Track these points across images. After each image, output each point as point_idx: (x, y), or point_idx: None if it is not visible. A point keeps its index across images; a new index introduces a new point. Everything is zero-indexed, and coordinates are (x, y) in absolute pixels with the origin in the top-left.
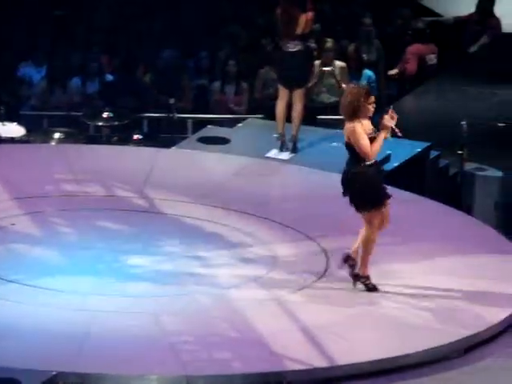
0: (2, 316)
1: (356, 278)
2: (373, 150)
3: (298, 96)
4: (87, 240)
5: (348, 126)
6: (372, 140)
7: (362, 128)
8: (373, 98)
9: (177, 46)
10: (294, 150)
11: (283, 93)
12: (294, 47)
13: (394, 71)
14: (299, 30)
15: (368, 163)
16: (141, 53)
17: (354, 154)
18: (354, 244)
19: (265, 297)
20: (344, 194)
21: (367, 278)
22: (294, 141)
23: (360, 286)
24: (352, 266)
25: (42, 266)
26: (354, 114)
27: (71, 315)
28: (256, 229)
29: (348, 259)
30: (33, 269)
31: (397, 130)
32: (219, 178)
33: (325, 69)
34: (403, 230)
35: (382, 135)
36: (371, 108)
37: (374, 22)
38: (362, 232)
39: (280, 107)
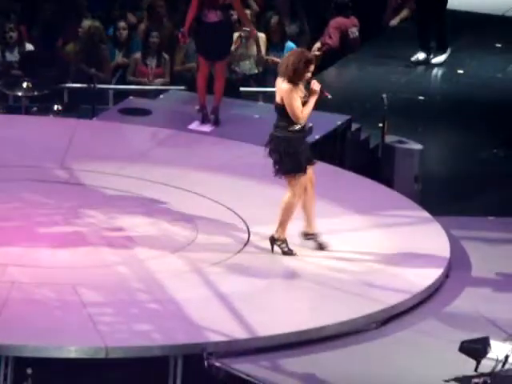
0: None
1: (272, 241)
2: (304, 114)
3: (220, 68)
4: (6, 211)
5: (283, 86)
6: (304, 104)
7: (296, 91)
8: (312, 67)
9: (97, 16)
10: (216, 122)
11: (204, 65)
12: (215, 18)
13: (316, 46)
14: (221, 1)
15: (296, 128)
16: (61, 22)
17: (283, 115)
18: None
19: (185, 268)
20: (269, 155)
21: (283, 241)
22: (216, 113)
23: (277, 249)
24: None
25: None
26: (294, 75)
27: None
28: (177, 200)
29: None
30: None
31: (326, 93)
32: (140, 150)
33: (245, 29)
34: (323, 201)
35: (313, 99)
36: (308, 75)
37: None
38: (284, 196)
39: (201, 79)
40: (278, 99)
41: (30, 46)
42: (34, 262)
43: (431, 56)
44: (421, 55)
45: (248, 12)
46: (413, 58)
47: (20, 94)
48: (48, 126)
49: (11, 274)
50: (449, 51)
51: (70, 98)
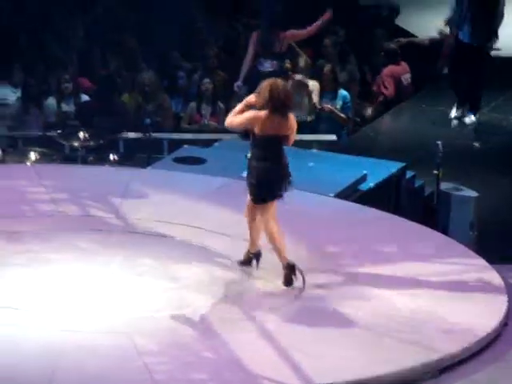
0: None
1: (292, 269)
2: None
3: None
4: (63, 260)
5: (291, 117)
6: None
7: None
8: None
9: (153, 67)
10: None
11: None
12: (270, 67)
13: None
14: (277, 49)
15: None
16: (118, 73)
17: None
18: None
19: (239, 315)
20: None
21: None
22: None
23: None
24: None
25: (12, 285)
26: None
27: (44, 334)
28: (230, 248)
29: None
30: (2, 288)
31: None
32: (194, 198)
33: (297, 77)
34: (379, 249)
35: None
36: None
37: (349, 42)
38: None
39: None
40: (285, 131)
41: (85, 97)
42: (91, 311)
43: (464, 114)
44: (455, 112)
45: (301, 64)
46: (450, 114)
47: (76, 144)
48: (104, 176)
49: (67, 322)
50: (477, 116)
51: (126, 148)
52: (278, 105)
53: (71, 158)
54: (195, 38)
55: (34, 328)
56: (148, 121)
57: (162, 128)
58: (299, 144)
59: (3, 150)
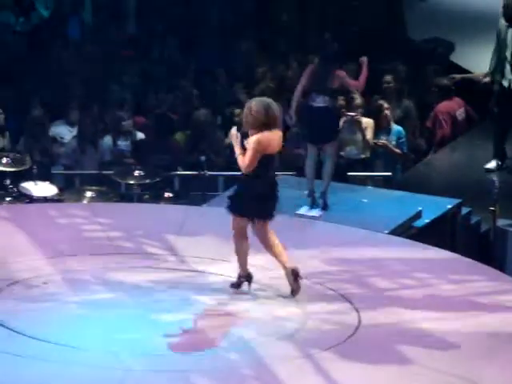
0: (33, 375)
1: (296, 275)
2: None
3: (329, 152)
4: (119, 298)
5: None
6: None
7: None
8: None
9: (206, 105)
10: (325, 206)
11: (312, 150)
12: (322, 102)
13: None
14: (330, 85)
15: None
16: (173, 111)
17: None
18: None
19: (296, 354)
20: None
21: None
22: (324, 198)
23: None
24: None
25: (72, 324)
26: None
27: (102, 374)
28: (286, 285)
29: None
30: (63, 327)
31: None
32: (249, 235)
33: (350, 114)
34: (434, 286)
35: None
36: None
37: (406, 79)
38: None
39: (309, 164)
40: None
41: (140, 135)
42: (147, 349)
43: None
44: (493, 164)
45: (358, 100)
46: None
47: (132, 182)
48: (159, 214)
49: (123, 361)
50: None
51: (181, 185)
52: (274, 122)
53: (127, 195)
54: (252, 76)
55: (91, 367)
56: (203, 158)
57: (217, 165)
58: (354, 181)
59: (60, 189)
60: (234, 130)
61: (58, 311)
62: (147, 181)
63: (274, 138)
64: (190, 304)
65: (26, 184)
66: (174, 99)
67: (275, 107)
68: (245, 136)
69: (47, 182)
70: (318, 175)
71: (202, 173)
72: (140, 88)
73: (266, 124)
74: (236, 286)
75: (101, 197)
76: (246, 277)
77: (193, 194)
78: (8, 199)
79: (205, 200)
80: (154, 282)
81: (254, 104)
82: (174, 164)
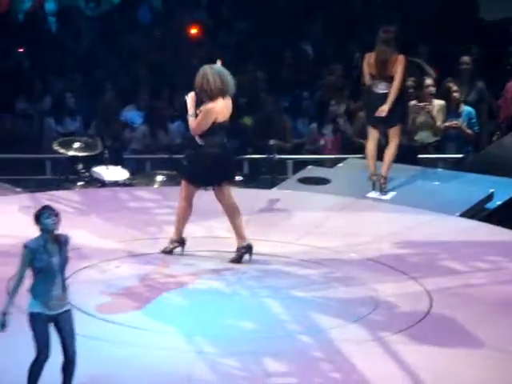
0: (108, 358)
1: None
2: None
3: (392, 135)
4: (190, 281)
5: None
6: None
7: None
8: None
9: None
10: (384, 190)
11: (373, 133)
12: (385, 88)
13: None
14: (390, 72)
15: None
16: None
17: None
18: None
19: (367, 337)
20: None
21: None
22: (383, 180)
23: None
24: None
25: (145, 307)
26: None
27: (175, 356)
28: (356, 269)
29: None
30: (137, 311)
31: None
32: (319, 219)
33: (420, 104)
34: (508, 269)
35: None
36: None
37: (479, 60)
38: None
39: (370, 147)
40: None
41: None
42: (219, 332)
43: None
44: None
45: (429, 81)
46: None
47: None
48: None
49: (197, 344)
50: None
51: (251, 169)
52: (227, 89)
53: None
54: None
55: (164, 349)
56: (272, 142)
57: (286, 149)
58: (424, 163)
59: (131, 173)
60: (192, 93)
61: (129, 294)
62: None
63: (225, 106)
64: (260, 287)
65: (97, 168)
66: (241, 83)
67: (228, 74)
68: (200, 102)
69: (119, 167)
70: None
71: (271, 156)
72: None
73: (222, 91)
74: (168, 252)
75: (171, 181)
76: (179, 241)
77: (262, 177)
78: (80, 184)
79: (274, 183)
80: (224, 264)
81: (209, 73)
82: (242, 148)
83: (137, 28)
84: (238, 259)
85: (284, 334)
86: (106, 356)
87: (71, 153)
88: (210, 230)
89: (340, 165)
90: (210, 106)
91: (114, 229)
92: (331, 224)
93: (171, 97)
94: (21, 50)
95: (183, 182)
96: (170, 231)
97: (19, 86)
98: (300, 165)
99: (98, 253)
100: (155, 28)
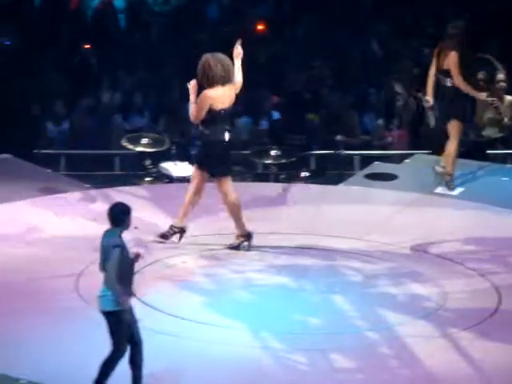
0: (172, 351)
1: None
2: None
3: (450, 132)
4: (258, 277)
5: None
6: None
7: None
8: None
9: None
10: (451, 185)
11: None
12: (447, 83)
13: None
14: (440, 67)
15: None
16: (306, 91)
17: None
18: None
19: (435, 334)
20: None
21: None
22: (449, 177)
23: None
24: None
25: (211, 303)
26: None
27: (241, 351)
28: (424, 264)
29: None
30: (203, 306)
31: None
32: (386, 214)
33: (488, 99)
34: None
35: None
36: None
37: None
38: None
39: (450, 144)
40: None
41: (276, 114)
42: (286, 328)
43: None
44: None
45: (501, 76)
46: None
47: (268, 161)
48: (296, 193)
49: (264, 340)
50: None
51: (318, 165)
52: (229, 75)
53: (263, 175)
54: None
55: (230, 345)
56: (339, 137)
57: (353, 144)
58: (493, 159)
59: None
60: (193, 81)
61: (195, 290)
62: (283, 160)
63: (225, 93)
64: (327, 283)
65: (165, 164)
66: (308, 79)
67: (228, 60)
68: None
69: (186, 162)
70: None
71: (338, 152)
72: (274, 68)
73: (223, 78)
74: (165, 237)
75: (238, 176)
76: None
77: (329, 173)
78: (148, 179)
79: (341, 179)
80: (290, 259)
81: (211, 60)
82: (309, 143)
83: (204, 24)
84: (236, 247)
85: (351, 330)
86: (173, 350)
87: (139, 149)
88: (275, 227)
89: (407, 160)
90: (205, 92)
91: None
92: (398, 220)
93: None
94: (87, 47)
95: (196, 171)
96: (232, 226)
97: (86, 83)
98: (367, 160)
99: (164, 248)
100: (222, 24)
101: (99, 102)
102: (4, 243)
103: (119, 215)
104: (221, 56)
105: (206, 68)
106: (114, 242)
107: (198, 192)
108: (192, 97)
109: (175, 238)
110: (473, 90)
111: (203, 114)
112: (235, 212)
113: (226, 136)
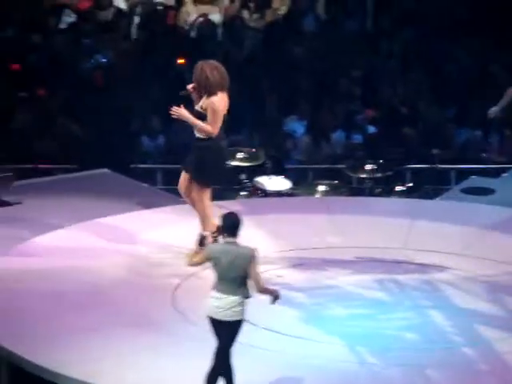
0: (269, 366)
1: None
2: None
3: None
4: (354, 291)
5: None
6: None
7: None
8: None
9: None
10: None
11: None
12: None
13: None
14: None
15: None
16: (401, 105)
17: None
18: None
19: None
20: None
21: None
22: None
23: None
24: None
25: (307, 318)
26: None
27: (338, 366)
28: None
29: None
30: (298, 321)
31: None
32: (484, 230)
33: None
34: None
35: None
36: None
37: None
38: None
39: None
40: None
41: (372, 128)
42: (382, 343)
43: None
44: None
45: None
46: None
47: (363, 175)
48: (391, 207)
49: (359, 355)
50: None
51: (413, 179)
52: (226, 82)
53: (359, 189)
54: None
55: (326, 359)
56: (435, 151)
57: (449, 159)
58: None
59: (294, 183)
60: (177, 109)
61: (291, 304)
62: (379, 174)
63: (223, 98)
64: (425, 298)
65: (260, 178)
66: (405, 92)
67: (222, 67)
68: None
69: (281, 177)
70: None
71: (434, 166)
72: (369, 81)
73: (221, 84)
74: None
75: (333, 191)
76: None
77: (425, 187)
78: (243, 193)
79: (437, 194)
80: (384, 274)
81: (207, 68)
82: (405, 157)
83: (299, 37)
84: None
85: (448, 346)
86: (269, 364)
87: (235, 163)
88: (371, 240)
89: (505, 174)
90: (212, 101)
91: (275, 239)
92: (496, 235)
93: (332, 106)
94: (181, 61)
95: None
96: (332, 241)
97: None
98: (463, 175)
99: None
100: (318, 37)
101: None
102: (102, 255)
103: (239, 226)
104: (215, 63)
105: (204, 76)
106: (253, 247)
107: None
108: (193, 120)
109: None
110: None
111: (221, 121)
112: (200, 214)
113: (223, 144)
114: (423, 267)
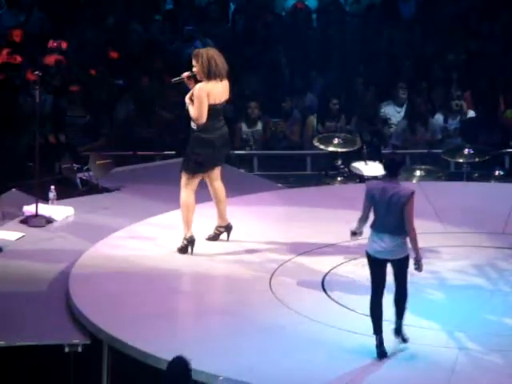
0: (366, 353)
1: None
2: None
3: None
4: (453, 277)
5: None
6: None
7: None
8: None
9: None
10: None
11: None
12: None
13: None
14: None
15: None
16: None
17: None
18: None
19: None
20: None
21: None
22: None
23: None
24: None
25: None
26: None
27: (436, 352)
28: None
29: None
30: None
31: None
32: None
33: None
34: None
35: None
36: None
37: None
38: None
39: None
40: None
41: (471, 113)
42: (481, 328)
43: None
44: None
45: None
46: None
47: (461, 160)
48: (489, 192)
49: (459, 340)
50: None
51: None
52: (220, 70)
53: (456, 174)
54: None
55: (425, 345)
56: None
57: None
58: None
59: None
60: (187, 73)
61: (391, 290)
62: (476, 159)
63: (218, 89)
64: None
65: (356, 164)
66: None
67: (221, 57)
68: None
69: (377, 162)
70: None
71: None
72: (468, 65)
73: (219, 72)
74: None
75: (430, 175)
76: (225, 227)
77: None
78: (339, 179)
79: None
80: (481, 261)
81: (204, 55)
82: (504, 141)
83: (397, 23)
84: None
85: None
86: (366, 350)
87: (331, 148)
88: (473, 225)
89: None
90: (199, 86)
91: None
92: None
93: (430, 91)
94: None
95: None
96: (429, 225)
97: (276, 83)
98: None
99: (357, 249)
100: (416, 21)
101: (293, 103)
102: (196, 242)
103: (399, 165)
104: (216, 51)
105: (204, 63)
106: (406, 188)
107: (217, 189)
108: (188, 100)
109: (223, 236)
110: None
111: (205, 109)
112: (183, 213)
113: (217, 134)
114: None
